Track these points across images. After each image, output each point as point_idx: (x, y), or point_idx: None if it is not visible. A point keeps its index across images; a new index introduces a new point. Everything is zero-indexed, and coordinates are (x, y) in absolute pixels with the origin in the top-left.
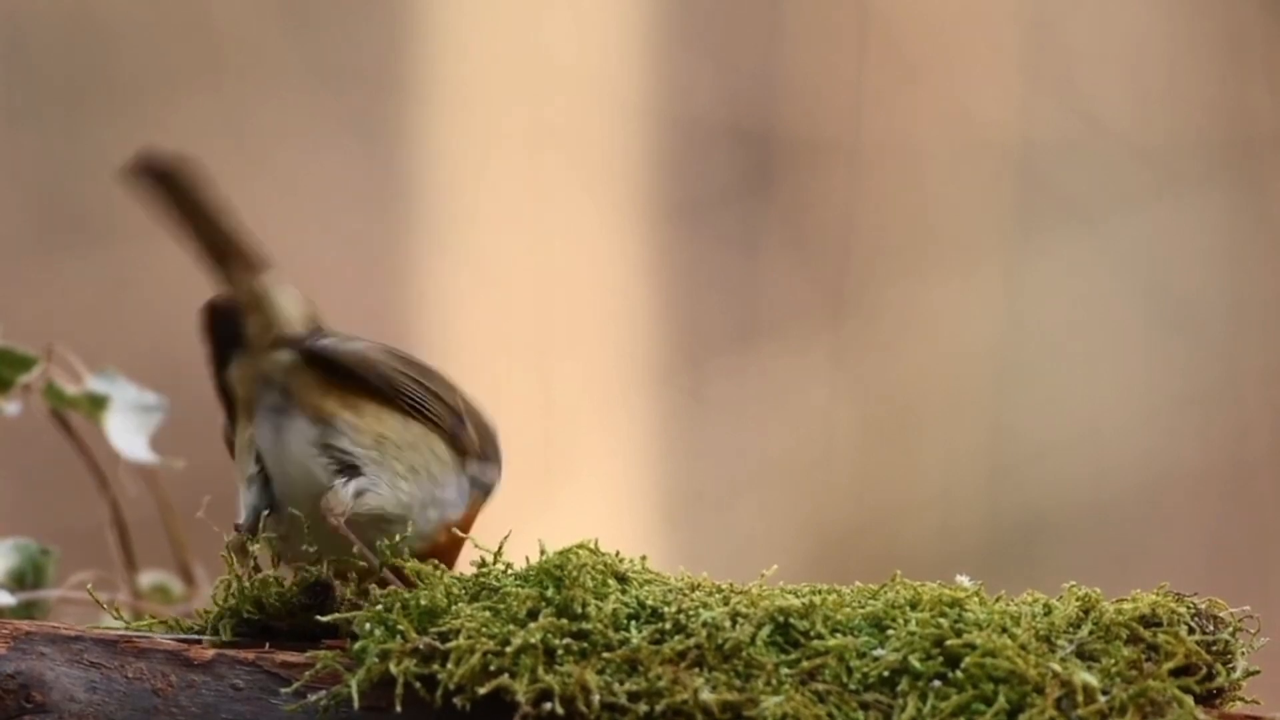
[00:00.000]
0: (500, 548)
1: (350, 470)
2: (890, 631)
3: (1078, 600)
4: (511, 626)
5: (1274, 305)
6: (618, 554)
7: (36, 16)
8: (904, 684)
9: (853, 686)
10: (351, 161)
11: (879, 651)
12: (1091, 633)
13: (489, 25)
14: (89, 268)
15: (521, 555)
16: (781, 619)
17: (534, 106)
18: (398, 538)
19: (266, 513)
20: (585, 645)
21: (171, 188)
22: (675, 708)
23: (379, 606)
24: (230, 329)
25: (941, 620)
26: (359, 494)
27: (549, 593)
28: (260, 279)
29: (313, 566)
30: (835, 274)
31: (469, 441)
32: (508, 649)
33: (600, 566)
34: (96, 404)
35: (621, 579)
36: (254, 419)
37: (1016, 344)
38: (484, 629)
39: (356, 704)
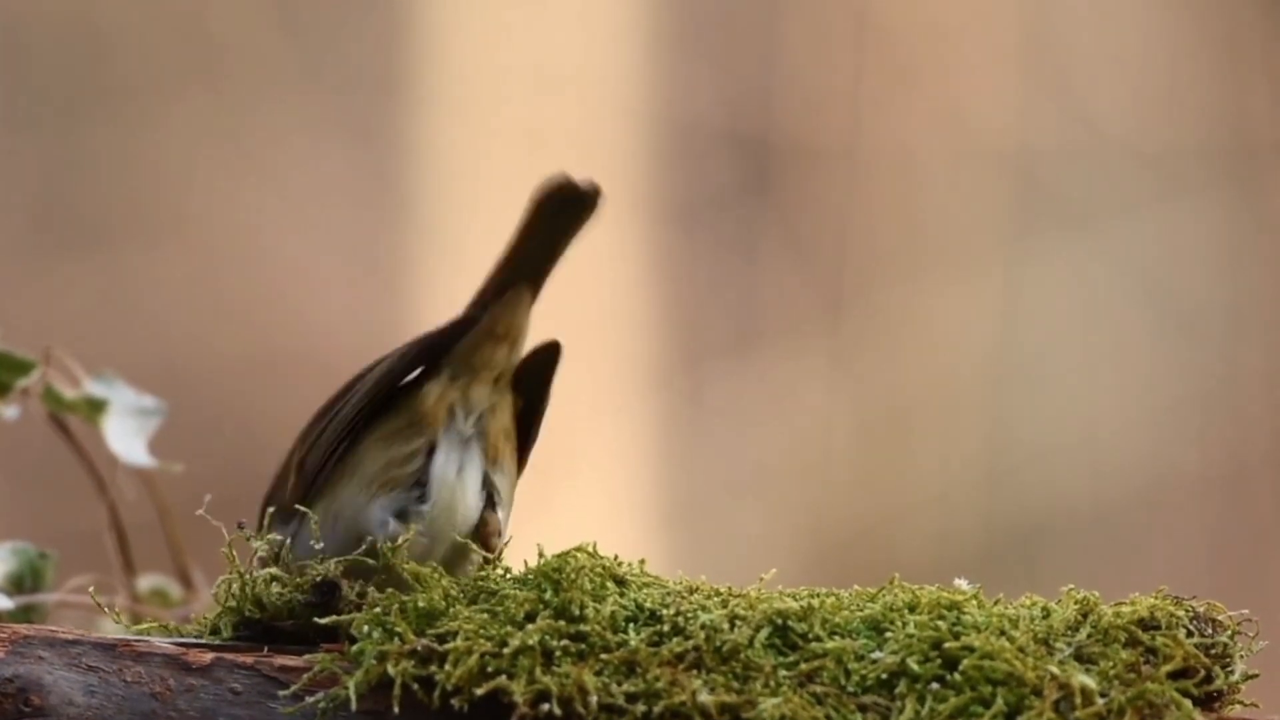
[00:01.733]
0: (500, 550)
1: (493, 504)
2: (888, 634)
3: (1076, 603)
4: (509, 628)
5: (1273, 309)
6: (616, 557)
7: (34, 22)
8: (902, 686)
9: (851, 689)
10: (348, 165)
11: (877, 654)
12: (1090, 635)
13: (486, 28)
14: (87, 271)
15: (520, 558)
16: (780, 621)
17: (531, 110)
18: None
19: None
20: (583, 647)
21: (579, 212)
22: (673, 709)
23: (377, 609)
24: (440, 348)
25: (940, 623)
26: (502, 530)
27: (547, 595)
28: (529, 315)
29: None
30: (833, 278)
31: None
32: (505, 650)
33: (598, 569)
34: (95, 408)
35: (620, 581)
36: (435, 441)
37: (1014, 348)
38: (482, 631)
39: (354, 706)
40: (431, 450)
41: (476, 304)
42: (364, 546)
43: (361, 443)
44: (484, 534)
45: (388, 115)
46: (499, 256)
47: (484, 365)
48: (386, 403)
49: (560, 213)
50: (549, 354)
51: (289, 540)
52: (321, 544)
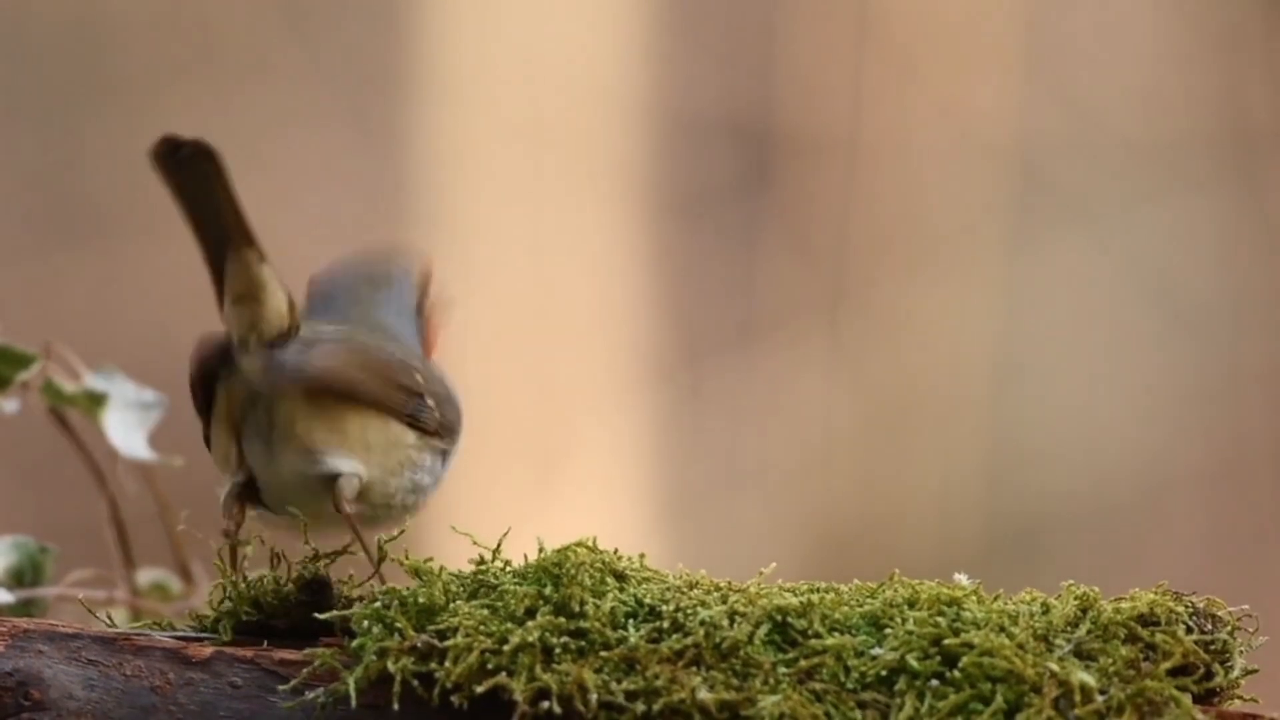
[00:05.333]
0: (499, 544)
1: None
2: (888, 630)
3: (1076, 599)
4: (509, 625)
5: (1274, 304)
6: (616, 551)
7: (35, 15)
8: (902, 683)
9: (850, 686)
10: (349, 158)
11: (877, 650)
12: (1089, 632)
13: (487, 21)
14: (87, 265)
15: (520, 552)
16: (779, 618)
17: (532, 102)
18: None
19: (254, 512)
20: (583, 644)
21: (195, 168)
22: (673, 707)
23: (377, 604)
24: (217, 358)
25: (939, 619)
26: (358, 491)
27: (547, 591)
28: (263, 265)
29: (308, 564)
30: (833, 271)
31: (430, 420)
32: (505, 647)
33: (598, 564)
34: (95, 401)
35: (620, 577)
36: (243, 437)
37: (1015, 342)
38: (482, 627)
39: (354, 702)
40: (240, 452)
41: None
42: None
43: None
44: (336, 506)
45: (388, 107)
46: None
47: (249, 334)
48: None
49: (182, 171)
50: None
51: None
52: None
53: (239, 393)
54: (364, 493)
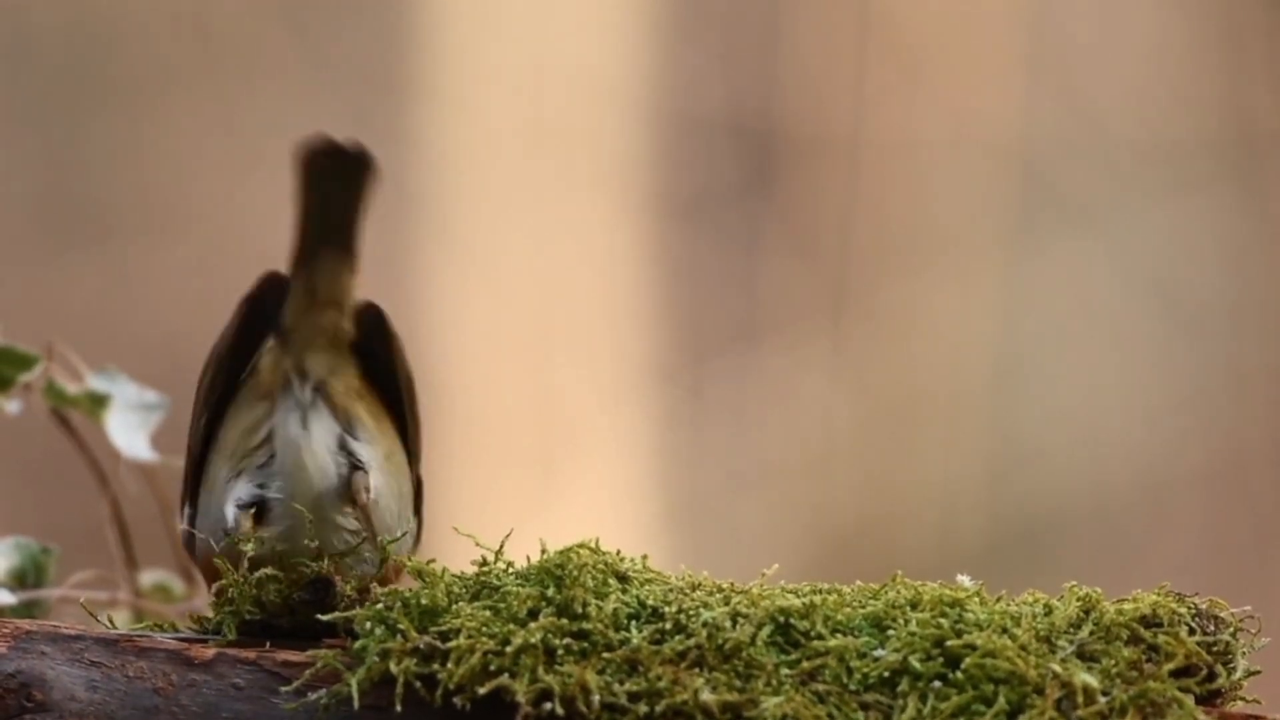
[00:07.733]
0: (501, 546)
1: (362, 470)
2: (891, 632)
3: (1078, 600)
4: (512, 626)
5: (1275, 305)
6: (619, 553)
7: (38, 16)
8: (904, 684)
9: (853, 687)
10: None
11: (879, 652)
12: (1092, 633)
13: (490, 22)
14: (90, 266)
15: (522, 553)
16: (782, 619)
17: (534, 104)
18: (365, 553)
19: (253, 510)
20: (585, 645)
21: (349, 169)
22: (675, 708)
23: (379, 605)
24: (266, 311)
25: (942, 621)
26: (373, 489)
27: (550, 592)
28: (355, 277)
29: (312, 563)
30: (836, 272)
31: (419, 493)
32: (508, 649)
33: (601, 566)
34: (97, 402)
35: (622, 578)
36: (275, 407)
37: (1017, 343)
38: (484, 628)
39: (356, 703)
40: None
41: (292, 271)
42: (223, 541)
43: (224, 420)
44: (350, 495)
45: (391, 109)
46: (296, 220)
47: (313, 331)
48: (242, 378)
49: (331, 175)
50: (374, 317)
51: (184, 526)
52: (203, 534)
53: (285, 362)
54: (379, 491)
